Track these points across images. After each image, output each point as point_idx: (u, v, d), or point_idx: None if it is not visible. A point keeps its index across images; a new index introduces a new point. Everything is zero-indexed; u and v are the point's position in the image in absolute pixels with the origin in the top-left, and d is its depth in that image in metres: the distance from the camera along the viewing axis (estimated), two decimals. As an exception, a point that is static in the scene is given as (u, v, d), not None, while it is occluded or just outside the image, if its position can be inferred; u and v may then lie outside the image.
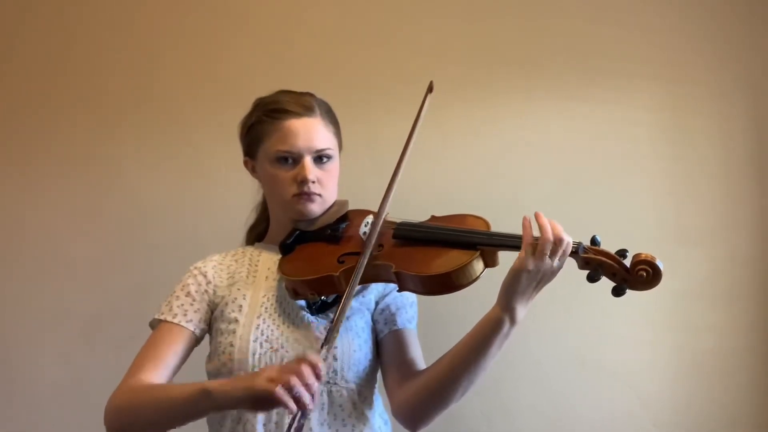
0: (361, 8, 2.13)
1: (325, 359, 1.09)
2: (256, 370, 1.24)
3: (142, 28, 2.14)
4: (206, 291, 1.34)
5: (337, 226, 1.35)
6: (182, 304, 1.32)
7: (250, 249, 1.45)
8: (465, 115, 2.08)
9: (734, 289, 2.01)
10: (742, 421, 1.97)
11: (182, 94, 2.10)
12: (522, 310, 1.16)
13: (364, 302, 1.36)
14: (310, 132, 1.34)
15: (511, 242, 1.18)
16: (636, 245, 2.04)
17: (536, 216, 1.17)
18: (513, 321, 1.16)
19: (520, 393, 1.97)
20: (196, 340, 1.33)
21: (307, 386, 1.02)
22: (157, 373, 1.26)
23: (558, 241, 1.14)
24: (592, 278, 1.16)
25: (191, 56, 2.12)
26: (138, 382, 1.23)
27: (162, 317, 1.32)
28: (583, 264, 1.16)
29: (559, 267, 1.15)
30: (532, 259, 1.13)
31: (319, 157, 1.35)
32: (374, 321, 1.36)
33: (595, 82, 2.07)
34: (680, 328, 1.99)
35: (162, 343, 1.29)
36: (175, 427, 1.20)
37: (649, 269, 1.12)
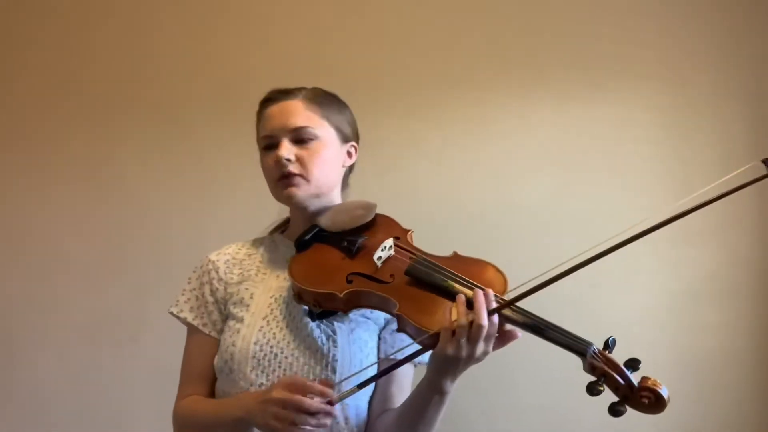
0: (361, 9, 2.13)
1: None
2: (254, 372, 1.23)
3: (142, 30, 2.14)
4: (218, 288, 1.34)
5: (356, 239, 1.26)
6: (200, 306, 1.33)
7: (267, 241, 1.42)
8: (465, 115, 2.08)
9: (734, 289, 2.01)
10: (743, 420, 1.97)
11: (183, 94, 2.10)
12: (450, 386, 1.12)
13: (372, 317, 1.31)
14: (284, 113, 1.30)
15: (515, 319, 1.09)
16: (637, 244, 2.04)
17: (474, 294, 1.06)
18: (442, 394, 1.12)
19: (520, 392, 1.98)
20: None
21: None
22: (201, 387, 1.31)
23: (476, 328, 1.03)
24: (591, 389, 1.04)
25: (192, 57, 2.12)
26: (187, 403, 1.30)
27: (183, 317, 1.33)
28: (589, 368, 1.07)
29: (485, 353, 1.06)
30: (449, 344, 1.04)
31: (300, 138, 1.30)
32: (381, 338, 1.31)
33: (595, 83, 2.07)
34: (681, 327, 2.00)
35: (195, 357, 1.32)
36: None
37: (653, 397, 1.06)
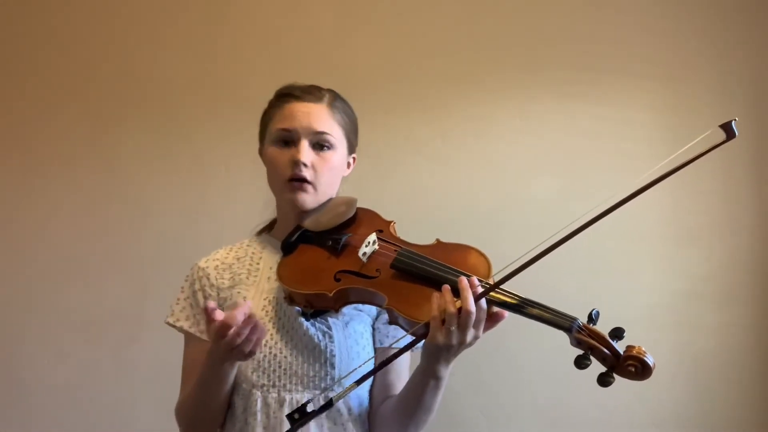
0: (361, 8, 2.13)
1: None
2: (255, 373, 1.25)
3: (141, 27, 2.14)
4: (210, 295, 1.34)
5: (340, 237, 1.28)
6: (195, 314, 1.33)
7: (254, 243, 1.42)
8: (465, 115, 2.08)
9: (734, 289, 2.01)
10: (742, 420, 1.97)
11: (182, 93, 2.10)
12: (444, 371, 1.14)
13: (365, 309, 1.33)
14: (311, 115, 1.31)
15: (501, 301, 1.11)
16: (636, 244, 2.04)
17: (459, 282, 1.08)
18: (437, 379, 1.15)
19: (519, 392, 1.98)
20: None
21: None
22: None
23: (465, 314, 1.06)
24: (579, 363, 1.07)
25: (191, 56, 2.12)
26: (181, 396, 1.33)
27: (179, 325, 1.33)
28: (575, 343, 1.10)
29: (476, 337, 1.09)
30: (440, 333, 1.07)
31: (319, 144, 1.31)
32: (375, 329, 1.34)
33: (595, 82, 2.07)
34: (680, 327, 2.00)
35: (195, 363, 1.28)
36: (216, 406, 1.25)
37: (639, 365, 1.08)
